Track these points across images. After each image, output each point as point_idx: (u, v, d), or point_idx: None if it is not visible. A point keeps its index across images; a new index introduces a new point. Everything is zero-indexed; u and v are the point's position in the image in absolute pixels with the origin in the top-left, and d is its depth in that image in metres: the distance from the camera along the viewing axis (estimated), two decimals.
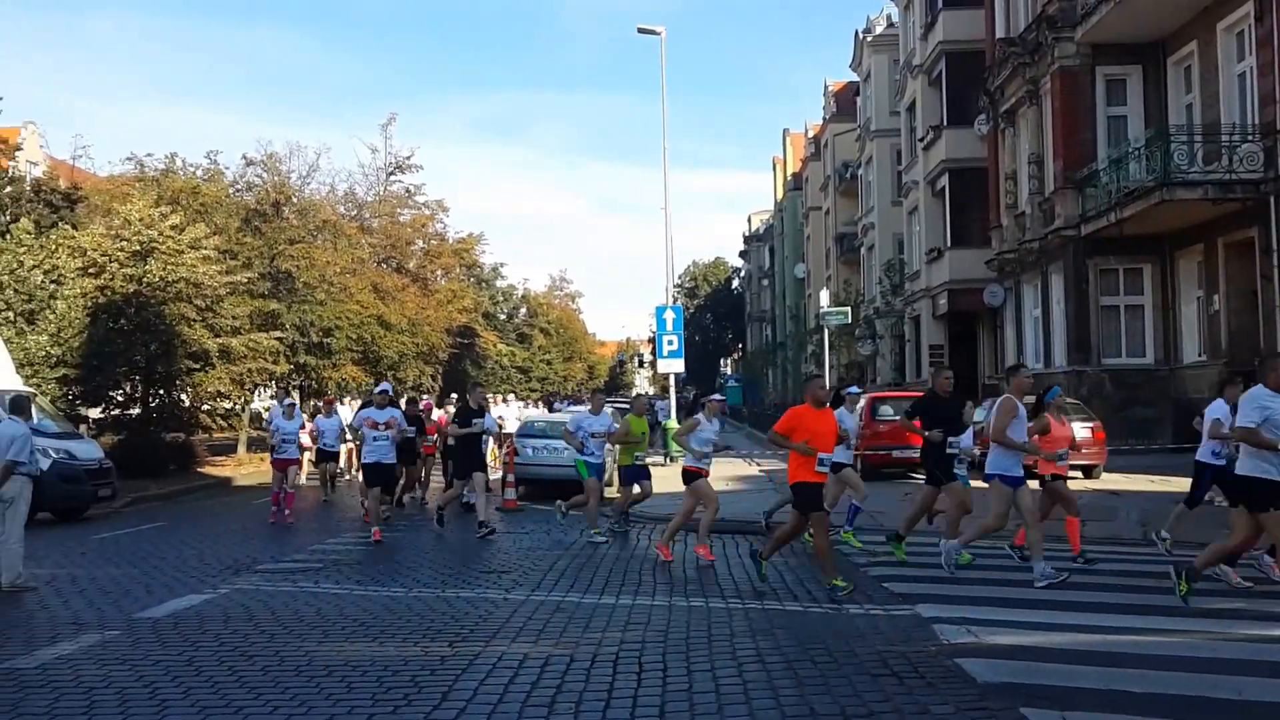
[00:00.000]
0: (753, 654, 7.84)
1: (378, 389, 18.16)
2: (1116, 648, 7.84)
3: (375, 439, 15.72)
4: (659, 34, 27.57)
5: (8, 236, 26.91)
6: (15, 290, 25.00)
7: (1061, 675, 7.11)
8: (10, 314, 24.73)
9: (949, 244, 35.33)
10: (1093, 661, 7.47)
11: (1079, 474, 21.74)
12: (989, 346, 34.82)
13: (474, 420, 15.95)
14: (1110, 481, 20.31)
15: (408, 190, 48.80)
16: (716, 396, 15.97)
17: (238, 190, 38.21)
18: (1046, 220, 27.59)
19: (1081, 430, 20.54)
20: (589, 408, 17.64)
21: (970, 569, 11.45)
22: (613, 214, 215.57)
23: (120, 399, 28.21)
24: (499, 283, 71.13)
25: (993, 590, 10.21)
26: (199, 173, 36.26)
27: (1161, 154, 22.01)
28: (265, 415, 24.64)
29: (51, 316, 25.15)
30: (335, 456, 22.69)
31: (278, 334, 32.42)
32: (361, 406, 20.80)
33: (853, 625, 8.86)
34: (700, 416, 13.57)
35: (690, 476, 13.07)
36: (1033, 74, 28.32)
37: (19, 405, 12.39)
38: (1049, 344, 28.23)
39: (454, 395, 29.67)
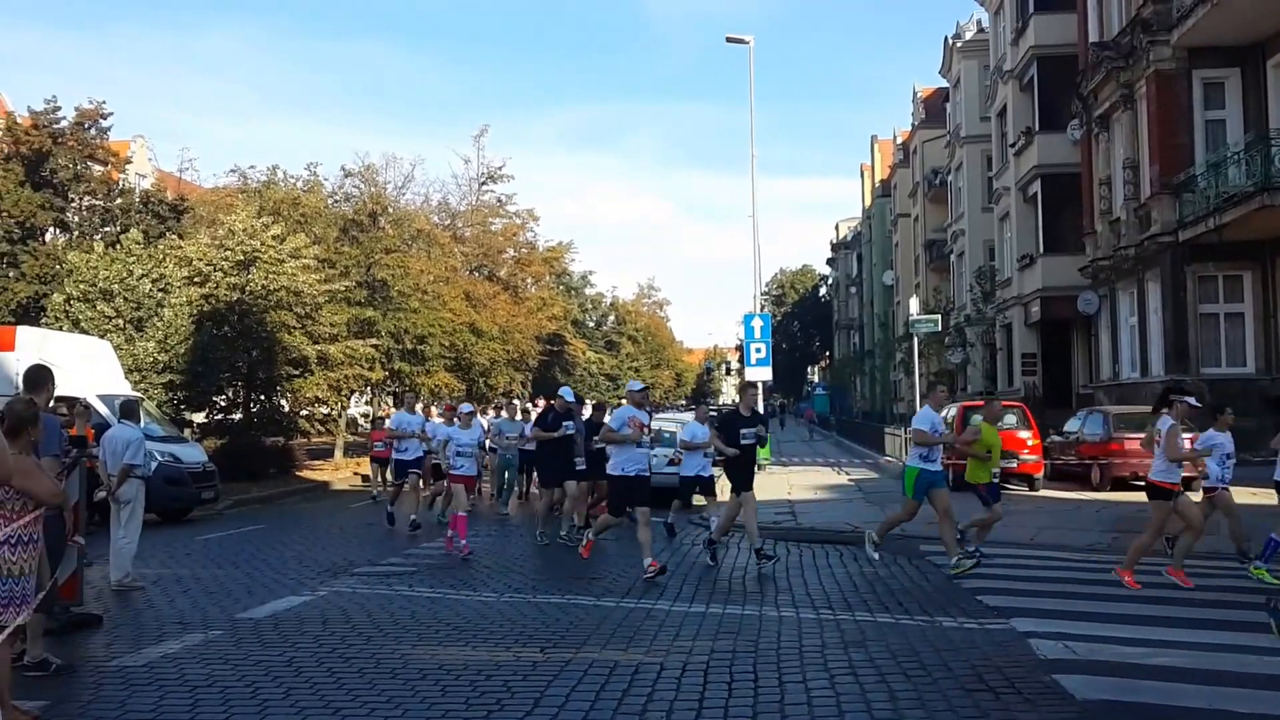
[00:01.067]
0: (845, 666, 7.73)
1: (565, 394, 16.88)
2: (1219, 665, 7.58)
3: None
4: (747, 43, 27.46)
5: (118, 246, 27.65)
6: (125, 298, 25.68)
7: (1163, 693, 6.90)
8: (120, 321, 25.40)
9: (1041, 250, 34.69)
10: (1195, 679, 7.23)
11: (1180, 486, 21.21)
12: (1083, 355, 34.09)
13: (562, 424, 15.50)
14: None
15: (499, 200, 49.37)
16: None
17: (336, 201, 38.92)
18: (1143, 226, 26.95)
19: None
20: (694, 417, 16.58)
21: (1066, 583, 11.18)
22: (700, 222, 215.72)
23: (223, 404, 28.85)
24: (588, 290, 71.56)
25: (1089, 605, 9.93)
26: (299, 184, 37.00)
27: (1262, 158, 21.39)
28: (388, 421, 22.55)
29: (159, 324, 25.78)
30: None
31: (374, 341, 32.93)
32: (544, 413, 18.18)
33: (946, 638, 8.69)
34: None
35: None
36: (1127, 78, 27.69)
37: (129, 410, 12.73)
38: (1146, 353, 27.54)
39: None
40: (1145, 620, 9.25)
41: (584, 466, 15.85)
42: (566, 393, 16.46)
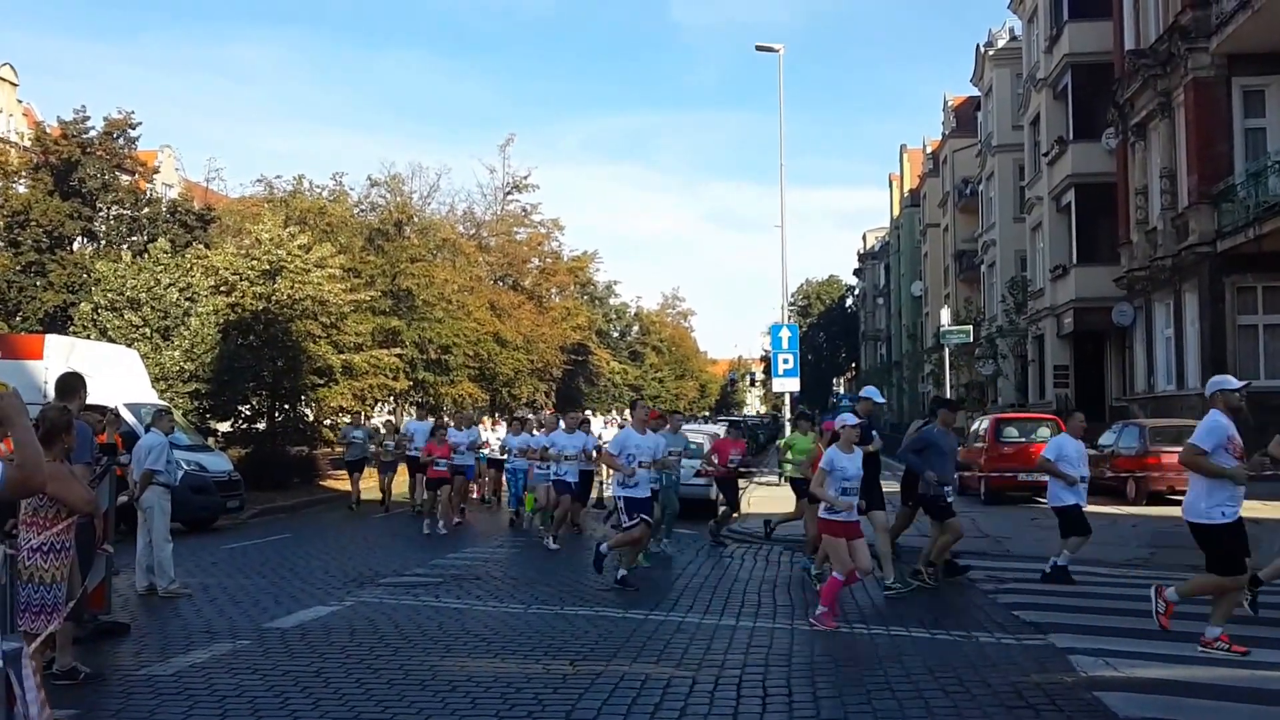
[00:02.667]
0: (881, 681, 7.67)
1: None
2: (1263, 684, 7.50)
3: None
4: (777, 51, 27.47)
5: (145, 256, 27.83)
6: (152, 307, 25.84)
7: (1206, 712, 6.84)
8: (147, 330, 25.56)
9: (1075, 261, 34.47)
10: (1238, 698, 7.16)
11: None
12: (1117, 367, 33.85)
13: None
14: (1248, 509, 19.52)
15: (524, 209, 49.48)
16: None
17: (362, 210, 39.13)
18: (1180, 236, 26.74)
19: None
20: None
21: (1104, 599, 11.08)
22: (725, 232, 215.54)
23: (248, 413, 28.96)
24: (612, 300, 71.55)
25: (1128, 621, 9.80)
26: (325, 193, 37.23)
27: None
28: (489, 435, 24.25)
29: (185, 333, 25.93)
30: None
31: (398, 351, 33.04)
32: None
33: (984, 654, 8.61)
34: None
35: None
36: (1164, 86, 27.51)
37: (158, 418, 12.83)
38: (1182, 365, 27.31)
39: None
40: (1186, 637, 9.13)
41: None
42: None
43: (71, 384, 8.35)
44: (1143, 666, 7.99)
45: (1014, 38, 45.46)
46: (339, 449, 31.37)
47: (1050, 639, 9.03)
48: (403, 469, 23.81)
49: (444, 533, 18.03)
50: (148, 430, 13.18)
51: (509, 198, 49.22)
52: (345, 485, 29.18)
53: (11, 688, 3.69)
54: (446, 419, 24.86)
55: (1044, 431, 22.01)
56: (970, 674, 7.85)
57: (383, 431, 25.81)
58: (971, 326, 40.49)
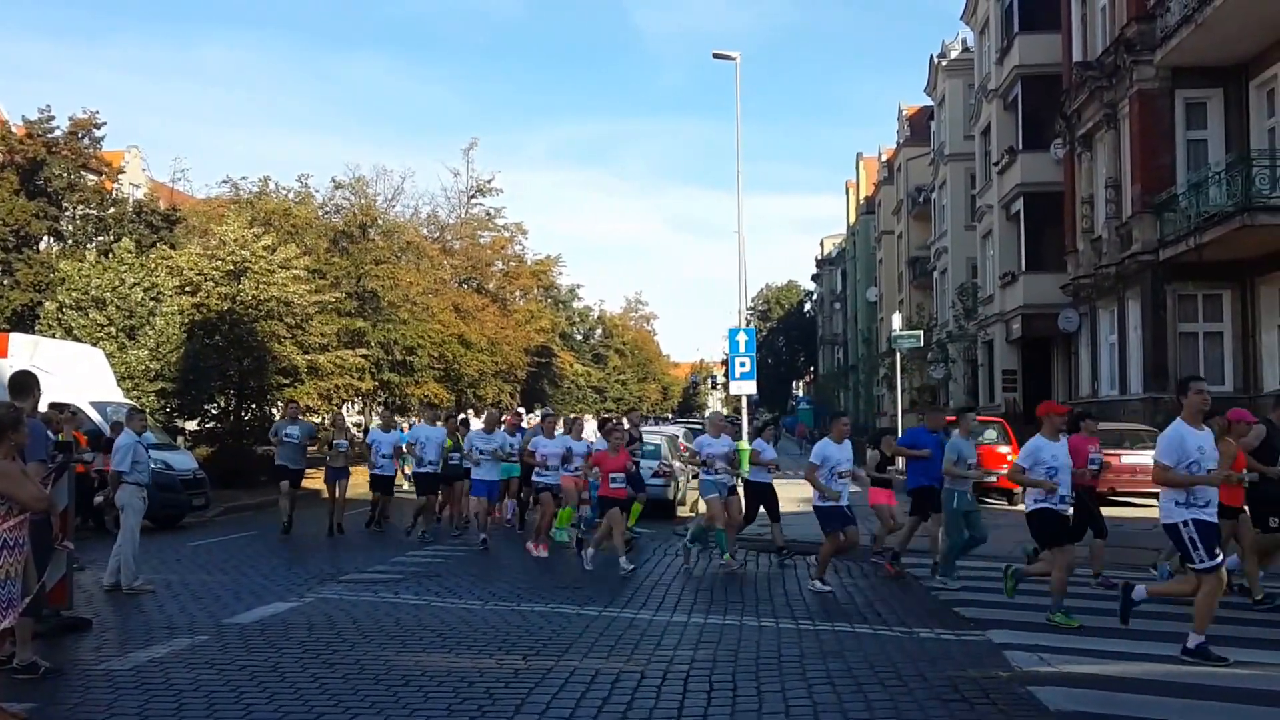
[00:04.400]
0: (823, 675, 7.76)
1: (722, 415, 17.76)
2: (1195, 679, 7.63)
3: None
4: (734, 59, 27.48)
5: (111, 256, 27.61)
6: (117, 307, 25.64)
7: (1138, 706, 6.95)
8: (112, 329, 25.36)
9: (1023, 268, 34.78)
10: (1171, 692, 7.28)
11: (1155, 501, 21.31)
12: (1063, 372, 34.17)
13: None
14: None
15: (488, 213, 49.41)
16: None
17: (327, 212, 38.96)
18: (1124, 245, 27.05)
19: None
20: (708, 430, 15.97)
21: (1043, 596, 11.19)
22: (688, 237, 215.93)
23: (214, 412, 28.79)
24: (576, 304, 71.57)
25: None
26: (290, 195, 37.06)
27: (1243, 178, 21.47)
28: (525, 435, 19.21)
29: (150, 332, 25.74)
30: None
31: (363, 351, 32.93)
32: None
33: (923, 649, 8.72)
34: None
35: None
36: (1110, 98, 27.82)
37: (131, 418, 12.78)
38: (1125, 370, 27.63)
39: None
40: (1121, 633, 9.27)
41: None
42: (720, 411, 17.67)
43: (23, 382, 8.29)
44: (1077, 662, 8.11)
45: (966, 49, 45.76)
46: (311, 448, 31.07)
47: (988, 635, 9.16)
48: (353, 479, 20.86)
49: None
50: (120, 429, 13.10)
51: (473, 201, 49.15)
52: (311, 484, 28.83)
53: None
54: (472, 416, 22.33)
55: (991, 434, 22.22)
56: (909, 668, 7.95)
57: (330, 429, 21.17)
58: (923, 331, 40.72)
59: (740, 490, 15.68)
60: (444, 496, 18.46)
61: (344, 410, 34.55)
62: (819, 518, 12.19)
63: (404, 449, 19.34)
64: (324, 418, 28.49)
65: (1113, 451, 18.88)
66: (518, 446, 17.38)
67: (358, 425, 29.57)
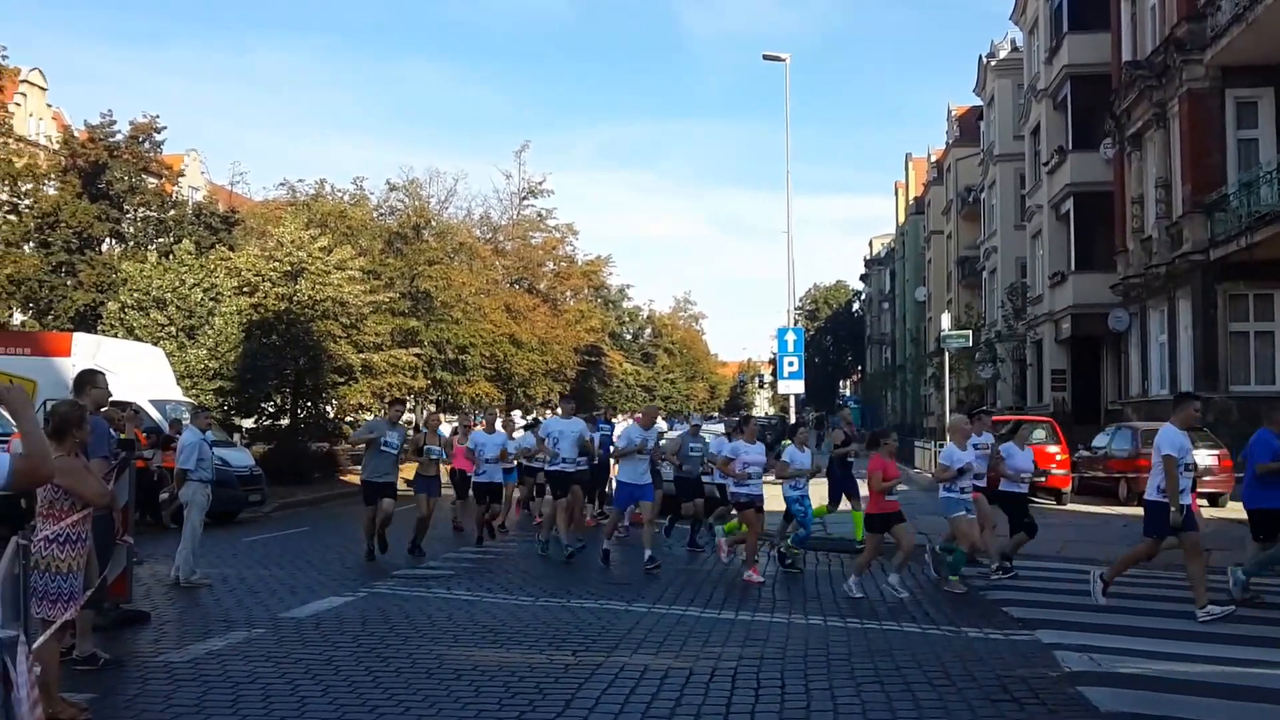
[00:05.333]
0: (871, 674, 7.69)
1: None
2: (1244, 680, 7.48)
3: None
4: (784, 60, 27.33)
5: (171, 257, 27.98)
6: (177, 307, 25.98)
7: (1187, 707, 6.82)
8: (172, 329, 25.69)
9: (1073, 268, 34.40)
10: (1219, 694, 7.14)
11: (1205, 502, 20.95)
12: (1112, 372, 33.75)
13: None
14: (1237, 510, 19.47)
15: (539, 214, 49.45)
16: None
17: (381, 214, 39.20)
18: (1174, 245, 26.66)
19: (1208, 458, 19.82)
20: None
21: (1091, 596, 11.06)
22: (736, 237, 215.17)
23: (271, 410, 29.06)
24: (625, 304, 71.45)
25: (1115, 618, 9.81)
26: (346, 197, 37.31)
27: None
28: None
29: (209, 332, 26.05)
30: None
31: (416, 351, 33.12)
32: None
33: (971, 649, 8.62)
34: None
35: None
36: (1160, 97, 27.43)
37: (196, 416, 13.01)
38: (1175, 370, 27.24)
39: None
40: (1171, 634, 9.14)
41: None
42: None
43: (87, 380, 8.39)
44: (1126, 662, 7.98)
45: (1015, 49, 45.34)
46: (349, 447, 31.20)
47: (1037, 635, 9.03)
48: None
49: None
50: (179, 427, 13.28)
51: (524, 203, 49.25)
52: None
53: (8, 674, 3.72)
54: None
55: (1040, 434, 21.96)
56: (957, 668, 7.86)
57: (421, 431, 17.68)
58: (971, 331, 40.38)
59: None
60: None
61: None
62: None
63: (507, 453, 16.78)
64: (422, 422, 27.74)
65: None
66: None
67: (409, 424, 29.64)
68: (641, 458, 13.76)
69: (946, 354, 37.03)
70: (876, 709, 6.77)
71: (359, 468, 30.57)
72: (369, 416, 31.88)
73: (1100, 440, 24.71)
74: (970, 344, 38.28)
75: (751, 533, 12.77)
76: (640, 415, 16.02)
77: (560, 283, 50.05)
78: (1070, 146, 34.55)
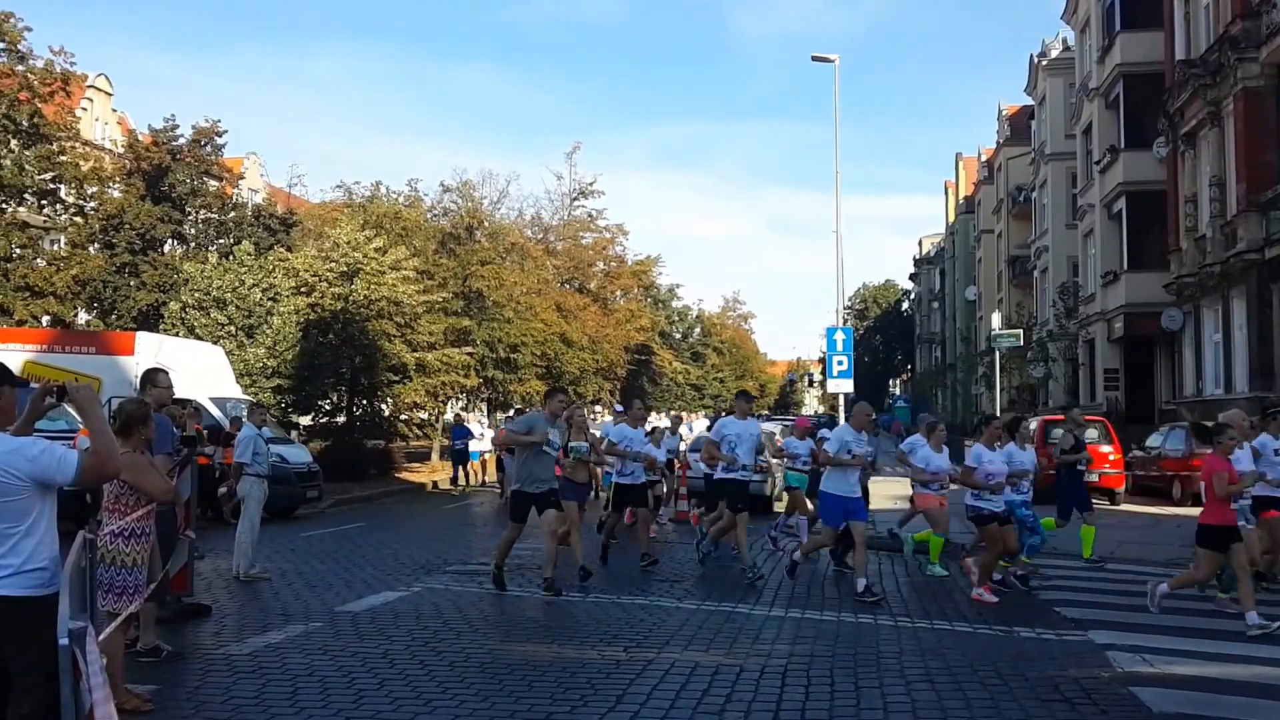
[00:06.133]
0: (921, 673, 7.63)
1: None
2: None
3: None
4: (833, 61, 27.18)
5: (231, 258, 28.33)
6: (237, 307, 26.31)
7: (1240, 708, 6.72)
8: (232, 328, 26.02)
9: (1126, 267, 33.94)
10: (1274, 695, 7.03)
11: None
12: (1166, 371, 33.27)
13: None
14: None
15: (590, 215, 49.54)
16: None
17: (435, 215, 39.41)
18: (1228, 244, 26.21)
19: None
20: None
21: (1145, 597, 10.89)
22: (785, 236, 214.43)
23: (327, 407, 29.36)
24: (675, 303, 71.43)
25: (1167, 618, 9.67)
26: (400, 199, 37.55)
27: None
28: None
29: (268, 331, 26.36)
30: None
31: (469, 349, 33.28)
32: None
33: (1023, 649, 8.53)
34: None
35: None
36: (1214, 95, 26.99)
37: (253, 412, 13.15)
38: (1230, 369, 26.79)
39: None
40: (1223, 635, 9.00)
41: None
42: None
43: (151, 378, 8.52)
44: (1179, 663, 7.88)
45: (1067, 48, 44.85)
46: (415, 443, 31.23)
47: (1089, 635, 8.93)
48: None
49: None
50: (239, 424, 13.43)
51: (575, 203, 49.36)
52: (418, 478, 29.46)
53: (77, 664, 3.79)
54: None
55: (1091, 433, 21.67)
56: (1009, 667, 7.78)
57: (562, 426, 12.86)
58: (1022, 330, 39.98)
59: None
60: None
61: (449, 405, 34.92)
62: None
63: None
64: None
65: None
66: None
67: (457, 418, 29.85)
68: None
69: (997, 353, 36.71)
70: (927, 707, 6.72)
71: (413, 464, 30.98)
72: (423, 415, 32.12)
73: (1154, 440, 24.38)
74: (1021, 343, 37.91)
75: (994, 550, 11.20)
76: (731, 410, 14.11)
77: (610, 282, 50.10)
78: (1122, 145, 34.10)
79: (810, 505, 14.52)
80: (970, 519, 11.44)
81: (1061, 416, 19.16)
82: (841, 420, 23.23)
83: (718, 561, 13.44)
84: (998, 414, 15.39)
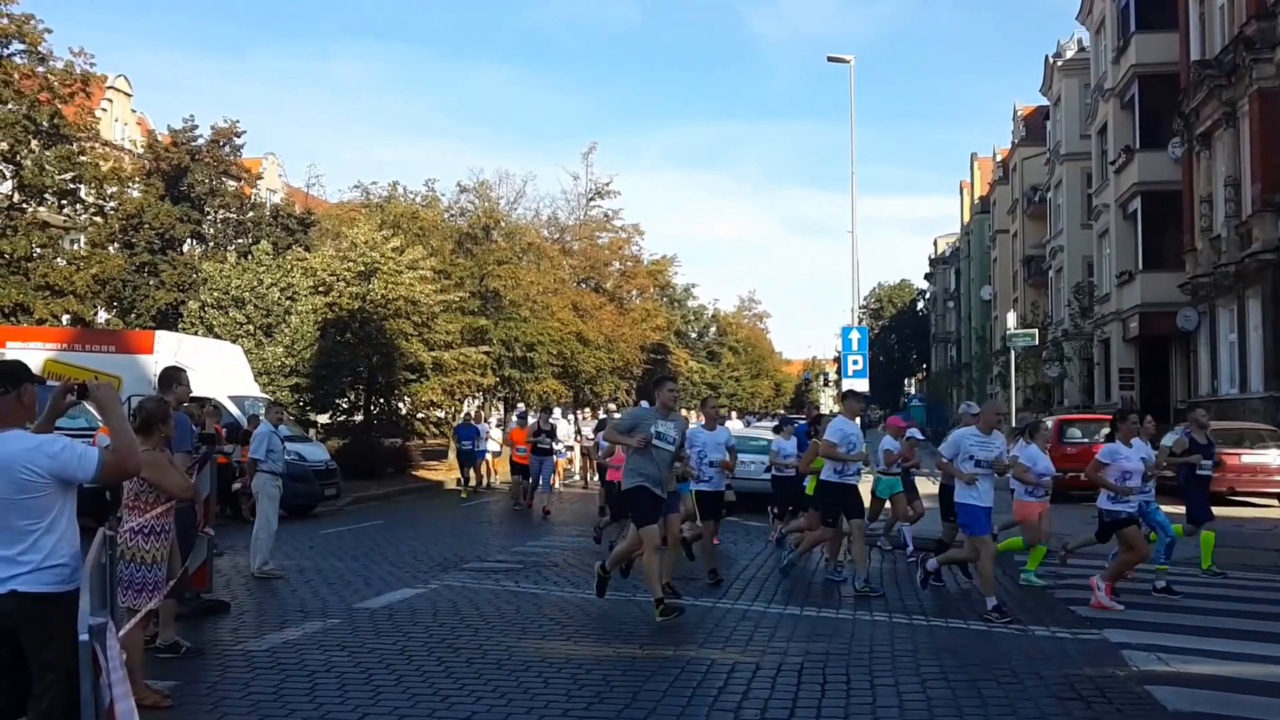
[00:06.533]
0: (937, 671, 7.60)
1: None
2: None
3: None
4: (848, 62, 27.14)
5: (249, 257, 28.43)
6: (255, 306, 26.40)
7: (1257, 708, 6.67)
8: (250, 327, 26.11)
9: (1141, 267, 33.79)
10: None
11: (1276, 502, 20.48)
12: (1182, 370, 33.11)
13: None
14: None
15: (606, 215, 49.55)
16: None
17: (452, 215, 39.49)
18: (1243, 244, 26.07)
19: None
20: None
21: (1159, 595, 10.86)
22: (800, 236, 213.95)
23: (345, 406, 29.43)
24: (690, 303, 71.40)
25: (1183, 618, 9.63)
26: (418, 199, 37.64)
27: None
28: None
29: (286, 330, 26.44)
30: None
31: (485, 348, 33.33)
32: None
33: (1038, 648, 8.49)
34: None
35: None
36: (1229, 96, 26.84)
37: (269, 410, 13.20)
38: (1245, 369, 26.65)
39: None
40: (1239, 634, 8.94)
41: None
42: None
43: (171, 377, 8.54)
44: (1196, 663, 7.83)
45: (1082, 49, 44.68)
46: (432, 441, 31.13)
47: (1104, 634, 8.88)
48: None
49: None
50: (258, 423, 13.48)
51: (591, 204, 49.37)
52: (435, 475, 29.53)
53: (97, 660, 3.80)
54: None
55: (1107, 432, 21.58)
56: (1025, 666, 7.73)
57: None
58: (1037, 330, 39.85)
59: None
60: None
61: (466, 403, 34.96)
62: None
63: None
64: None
65: (1232, 451, 18.25)
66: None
67: (468, 416, 29.79)
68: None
69: (1013, 352, 36.60)
70: (942, 706, 6.69)
71: (430, 463, 30.99)
72: (439, 413, 32.14)
73: (1167, 440, 24.19)
74: (1036, 343, 37.78)
75: (1135, 554, 10.39)
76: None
77: (626, 282, 50.10)
78: (1138, 146, 33.95)
79: (907, 508, 13.94)
80: (1106, 524, 10.52)
81: (1076, 416, 19.16)
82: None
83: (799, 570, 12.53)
84: (1123, 409, 13.37)
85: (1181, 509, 12.66)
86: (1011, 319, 39.73)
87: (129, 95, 46.65)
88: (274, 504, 12.35)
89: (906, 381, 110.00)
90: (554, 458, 21.94)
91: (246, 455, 13.09)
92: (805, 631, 9.10)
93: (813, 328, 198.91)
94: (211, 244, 32.66)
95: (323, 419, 30.18)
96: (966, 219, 78.97)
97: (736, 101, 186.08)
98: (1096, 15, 39.62)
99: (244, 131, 33.03)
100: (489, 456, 26.65)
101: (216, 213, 33.04)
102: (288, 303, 27.02)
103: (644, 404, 11.02)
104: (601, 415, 24.23)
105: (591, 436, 23.33)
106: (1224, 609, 10.14)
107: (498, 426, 27.18)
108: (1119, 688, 7.11)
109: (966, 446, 10.22)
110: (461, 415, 28.66)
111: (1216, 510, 13.14)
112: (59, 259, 27.45)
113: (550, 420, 21.94)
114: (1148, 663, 7.79)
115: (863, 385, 27.29)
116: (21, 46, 25.78)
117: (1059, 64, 46.32)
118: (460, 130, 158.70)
